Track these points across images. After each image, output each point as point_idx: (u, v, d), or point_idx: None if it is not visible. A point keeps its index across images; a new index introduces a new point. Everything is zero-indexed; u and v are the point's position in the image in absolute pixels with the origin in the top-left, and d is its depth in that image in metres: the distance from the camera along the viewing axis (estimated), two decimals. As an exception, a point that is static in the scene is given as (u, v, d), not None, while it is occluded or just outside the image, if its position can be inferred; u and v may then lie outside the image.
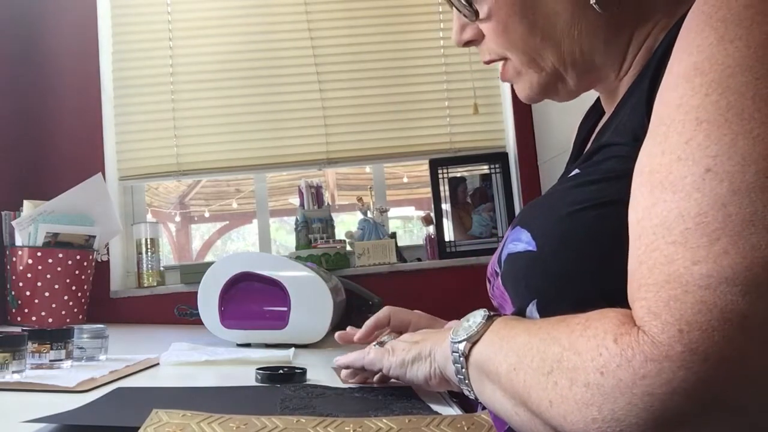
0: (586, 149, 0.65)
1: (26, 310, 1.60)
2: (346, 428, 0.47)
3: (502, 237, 0.81)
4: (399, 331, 0.82)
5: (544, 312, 0.54)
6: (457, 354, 0.54)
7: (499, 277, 0.63)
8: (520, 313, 0.57)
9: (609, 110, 0.68)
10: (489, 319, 0.54)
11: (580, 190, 0.54)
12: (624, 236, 0.44)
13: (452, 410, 0.63)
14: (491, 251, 0.73)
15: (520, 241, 0.57)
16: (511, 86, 2.52)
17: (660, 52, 0.54)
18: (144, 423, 0.47)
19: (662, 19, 0.58)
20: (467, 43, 0.67)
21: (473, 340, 0.53)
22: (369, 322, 0.84)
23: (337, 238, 2.09)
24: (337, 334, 0.88)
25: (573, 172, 0.59)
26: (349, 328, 0.88)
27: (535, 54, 0.61)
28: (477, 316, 0.55)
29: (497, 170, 2.16)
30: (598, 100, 0.78)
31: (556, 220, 0.55)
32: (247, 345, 1.18)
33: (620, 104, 0.60)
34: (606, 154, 0.55)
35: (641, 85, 0.55)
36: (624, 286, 0.45)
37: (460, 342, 0.54)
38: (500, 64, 0.67)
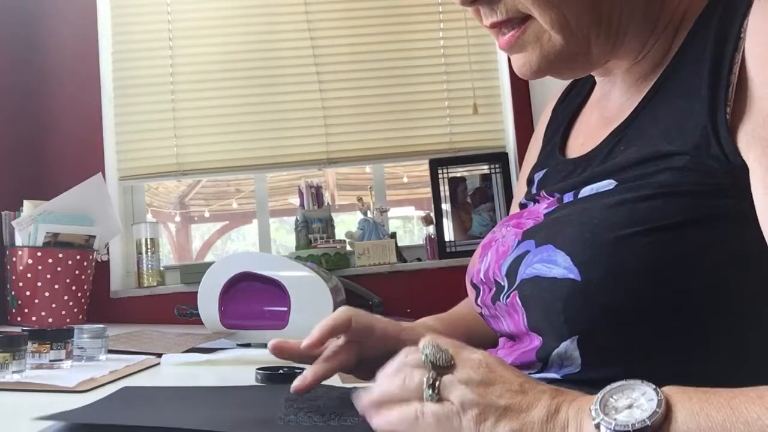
0: (608, 152, 0.57)
1: (26, 310, 1.60)
2: None
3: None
4: (360, 338, 0.61)
5: (586, 351, 0.48)
6: None
7: (515, 295, 0.55)
8: (551, 346, 0.51)
9: (613, 93, 0.62)
10: (660, 400, 0.38)
11: (628, 208, 0.48)
12: (685, 266, 0.40)
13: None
14: (491, 251, 0.71)
15: (555, 265, 0.50)
16: (511, 82, 2.45)
17: (712, 40, 0.50)
18: None
19: None
20: (474, 1, 0.57)
21: (657, 424, 0.38)
22: (325, 323, 0.59)
23: (337, 238, 2.08)
24: (270, 345, 0.61)
25: (605, 185, 0.52)
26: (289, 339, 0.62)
27: (571, 14, 0.53)
28: (641, 392, 0.39)
29: (497, 170, 2.16)
30: (573, 82, 0.73)
31: (601, 245, 0.47)
32: (247, 345, 1.18)
33: (648, 97, 0.55)
34: (658, 165, 0.49)
35: (688, 81, 0.50)
36: (684, 324, 0.40)
37: (640, 428, 0.37)
38: (495, 35, 0.58)
